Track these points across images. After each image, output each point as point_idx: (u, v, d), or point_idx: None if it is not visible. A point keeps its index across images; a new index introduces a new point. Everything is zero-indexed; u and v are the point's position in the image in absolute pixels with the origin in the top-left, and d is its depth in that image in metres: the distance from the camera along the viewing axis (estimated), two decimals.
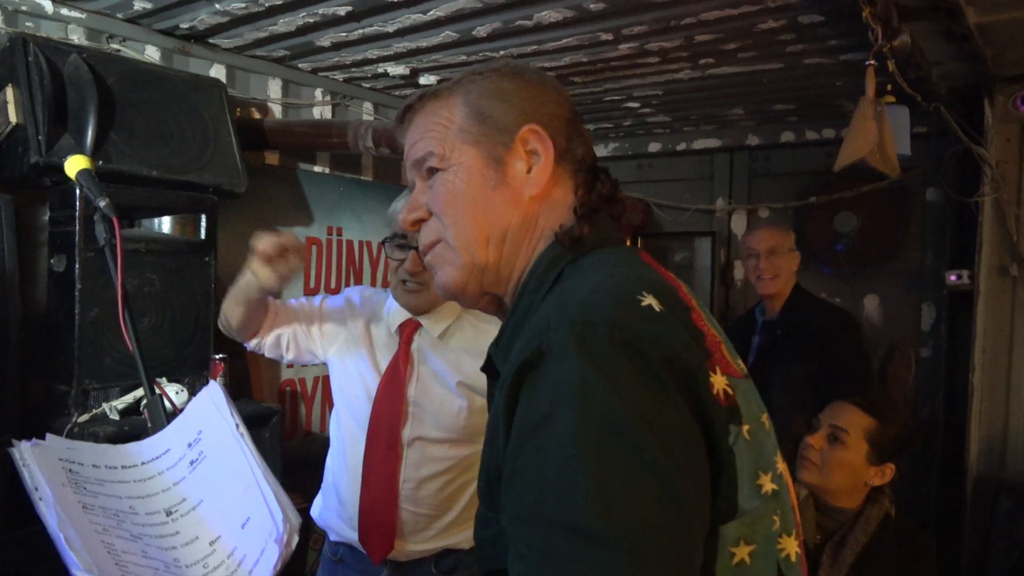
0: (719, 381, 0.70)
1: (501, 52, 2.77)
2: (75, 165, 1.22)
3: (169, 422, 1.05)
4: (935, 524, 3.28)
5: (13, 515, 1.90)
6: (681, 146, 4.09)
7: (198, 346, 2.30)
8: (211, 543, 0.93)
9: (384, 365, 1.73)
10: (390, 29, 2.56)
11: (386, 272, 3.25)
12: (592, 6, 2.28)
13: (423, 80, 3.18)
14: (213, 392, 1.08)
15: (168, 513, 0.96)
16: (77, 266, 2.03)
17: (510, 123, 0.86)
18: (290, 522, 0.91)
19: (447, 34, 2.60)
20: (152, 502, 0.96)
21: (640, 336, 0.67)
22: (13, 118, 2.03)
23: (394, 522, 1.66)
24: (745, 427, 0.71)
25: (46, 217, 2.23)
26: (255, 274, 1.56)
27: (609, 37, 2.54)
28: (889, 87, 2.39)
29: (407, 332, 1.73)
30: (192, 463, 1.01)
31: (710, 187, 4.13)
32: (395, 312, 1.76)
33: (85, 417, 2.04)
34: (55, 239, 2.15)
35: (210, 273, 2.33)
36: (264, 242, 1.52)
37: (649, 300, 0.71)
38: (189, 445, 1.02)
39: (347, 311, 1.81)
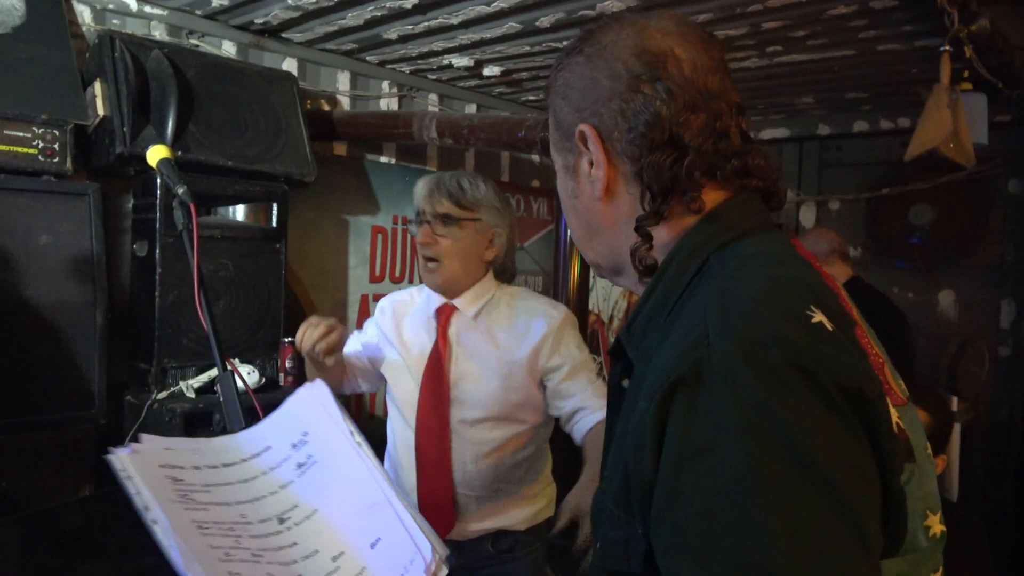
0: (894, 413, 0.65)
1: (565, 42, 2.78)
2: (156, 154, 1.29)
3: (240, 398, 1.10)
4: (1010, 526, 3.16)
5: (103, 475, 2.03)
6: None
7: (269, 329, 2.40)
8: (334, 558, 0.86)
9: (427, 352, 1.77)
10: (454, 21, 2.60)
11: None
12: None
13: (487, 71, 3.21)
14: (319, 393, 1.03)
15: (281, 520, 0.89)
16: (157, 251, 2.15)
17: (570, 123, 0.82)
18: (438, 553, 0.85)
19: (510, 25, 2.62)
20: (262, 507, 0.90)
21: (817, 360, 0.60)
22: (101, 111, 2.15)
23: (451, 504, 1.70)
24: (916, 462, 0.66)
25: (129, 204, 2.35)
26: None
27: None
28: (966, 73, 2.31)
29: (444, 316, 1.78)
30: (300, 466, 0.96)
31: None
32: (433, 298, 1.81)
33: (164, 394, 2.15)
34: (137, 225, 2.27)
35: (281, 259, 2.42)
36: (305, 340, 1.62)
37: (819, 317, 0.64)
38: (294, 446, 0.98)
39: (380, 326, 1.90)
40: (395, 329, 1.85)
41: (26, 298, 1.97)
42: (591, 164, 0.81)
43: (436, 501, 1.71)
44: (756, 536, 0.55)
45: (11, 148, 1.92)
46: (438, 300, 1.79)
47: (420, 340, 1.79)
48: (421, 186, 1.76)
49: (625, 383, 0.81)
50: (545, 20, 2.56)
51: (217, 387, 1.18)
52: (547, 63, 3.07)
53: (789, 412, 0.57)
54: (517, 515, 1.75)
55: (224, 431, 1.04)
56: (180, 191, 1.22)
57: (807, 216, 3.95)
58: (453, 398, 1.72)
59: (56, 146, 2.01)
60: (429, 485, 1.72)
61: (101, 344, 2.09)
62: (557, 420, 1.81)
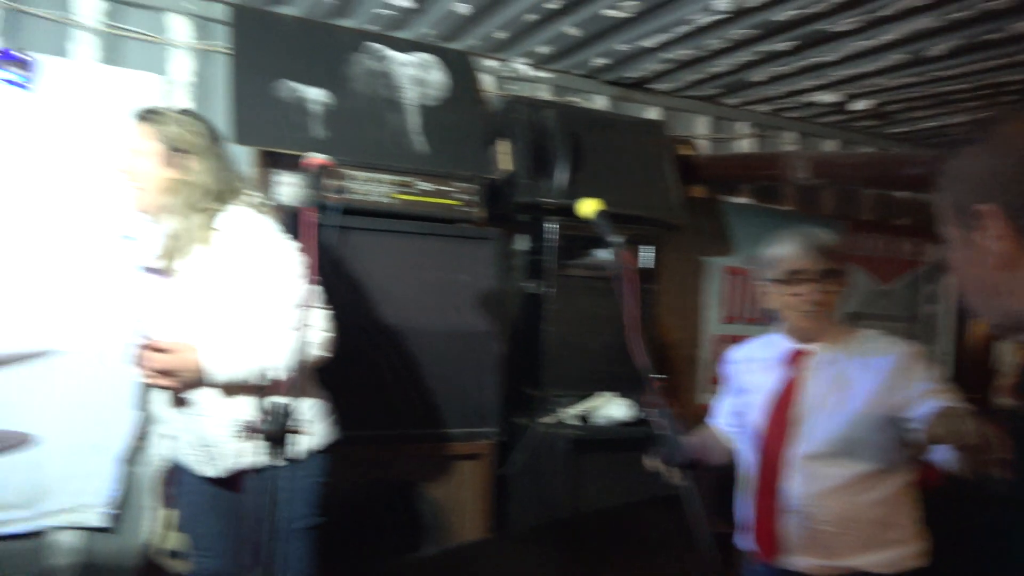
0: None
1: (954, 71, 2.56)
2: (590, 207, 1.46)
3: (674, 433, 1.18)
4: None
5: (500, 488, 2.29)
6: None
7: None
8: None
9: (773, 390, 1.86)
10: (831, 58, 2.53)
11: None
12: None
13: (854, 106, 3.06)
14: None
15: None
16: (548, 289, 2.38)
17: (969, 201, 0.91)
18: None
19: (895, 57, 2.48)
20: None
21: None
22: (505, 165, 2.46)
23: (777, 529, 1.79)
24: None
25: (520, 247, 2.64)
26: None
27: None
28: None
29: (795, 358, 1.86)
30: None
31: None
32: (780, 341, 1.91)
33: (547, 419, 2.37)
34: (531, 265, 2.54)
35: (653, 299, 2.53)
36: None
37: None
38: None
39: (735, 375, 2.02)
40: (749, 371, 1.99)
41: (441, 326, 2.31)
42: (994, 238, 0.89)
43: (765, 525, 1.82)
44: None
45: (442, 201, 2.29)
46: (786, 344, 1.90)
47: (767, 381, 1.90)
48: (788, 247, 1.86)
49: None
50: (936, 49, 2.38)
51: (651, 418, 1.29)
52: (926, 93, 2.85)
53: None
54: (872, 557, 1.74)
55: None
56: (615, 240, 1.36)
57: None
58: (797, 433, 1.81)
59: (472, 198, 2.35)
60: (762, 509, 1.83)
61: (498, 370, 2.37)
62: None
